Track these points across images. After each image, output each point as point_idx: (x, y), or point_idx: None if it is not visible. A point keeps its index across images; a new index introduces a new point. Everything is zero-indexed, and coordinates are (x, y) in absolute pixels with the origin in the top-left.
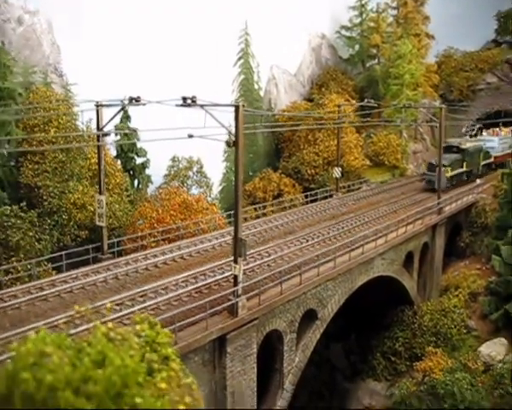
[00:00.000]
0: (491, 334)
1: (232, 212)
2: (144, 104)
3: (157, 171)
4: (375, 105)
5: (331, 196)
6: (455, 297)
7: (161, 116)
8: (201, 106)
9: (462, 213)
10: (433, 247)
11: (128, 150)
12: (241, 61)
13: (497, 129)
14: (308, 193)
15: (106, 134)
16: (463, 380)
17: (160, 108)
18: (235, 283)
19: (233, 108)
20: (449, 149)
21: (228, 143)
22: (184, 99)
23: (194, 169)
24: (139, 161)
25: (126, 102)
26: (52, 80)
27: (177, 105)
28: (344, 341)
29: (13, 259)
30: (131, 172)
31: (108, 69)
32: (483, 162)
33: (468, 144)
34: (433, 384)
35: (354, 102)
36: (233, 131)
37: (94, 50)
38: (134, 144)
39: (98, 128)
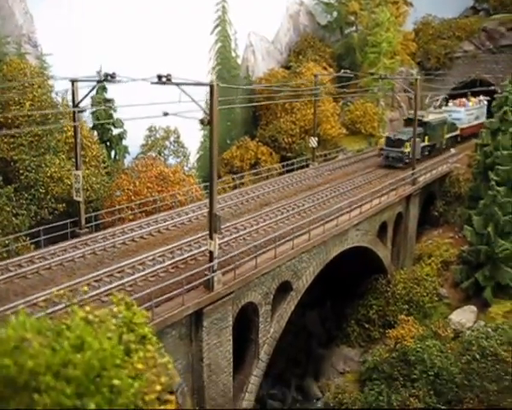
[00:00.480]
0: (462, 302)
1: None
2: (119, 81)
3: (134, 141)
4: (351, 76)
5: (307, 165)
6: (427, 266)
7: (137, 89)
8: (176, 84)
9: (437, 182)
10: (407, 217)
11: (104, 122)
12: (219, 28)
13: (464, 99)
14: (285, 162)
15: (82, 111)
16: (433, 347)
17: (136, 81)
18: (211, 258)
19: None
20: (410, 121)
21: (202, 122)
22: (159, 77)
23: (171, 139)
24: (116, 131)
25: (102, 77)
26: (26, 51)
27: (152, 83)
28: (319, 308)
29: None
30: (108, 144)
31: (83, 39)
32: (448, 135)
33: (431, 117)
34: (404, 351)
35: (331, 70)
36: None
37: (69, 20)
38: (110, 115)
39: (74, 105)
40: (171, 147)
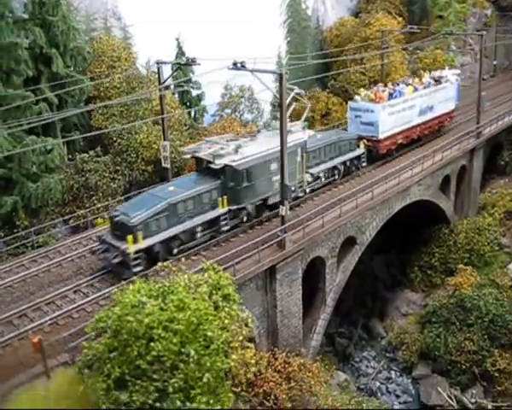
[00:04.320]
0: None
1: None
2: (199, 64)
3: (211, 99)
4: (419, 31)
5: None
6: (490, 216)
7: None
8: (250, 71)
9: (504, 132)
10: (471, 169)
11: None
12: None
13: (390, 86)
14: None
15: (167, 87)
16: (489, 295)
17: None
18: (283, 221)
19: (277, 70)
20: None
21: (274, 105)
22: (235, 64)
23: (246, 95)
24: (195, 93)
25: (181, 57)
26: (111, 24)
27: (228, 68)
28: (385, 255)
29: (93, 198)
30: (188, 104)
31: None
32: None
33: (253, 149)
34: (462, 298)
35: (401, 19)
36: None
37: None
38: (190, 79)
39: (159, 83)
40: (246, 103)
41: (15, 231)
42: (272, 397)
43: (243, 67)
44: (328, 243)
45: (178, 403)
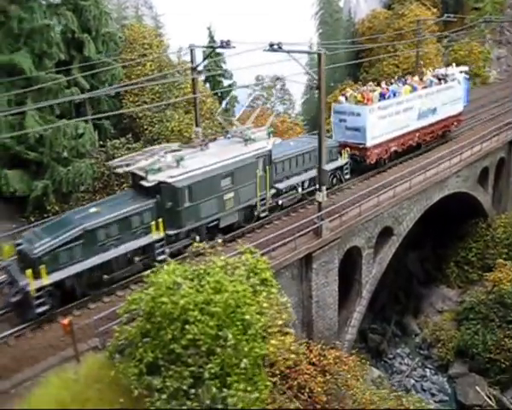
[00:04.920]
0: None
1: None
2: (234, 47)
3: (242, 91)
4: (455, 20)
5: None
6: None
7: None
8: (287, 52)
9: None
10: (510, 161)
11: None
12: None
13: (384, 85)
14: None
15: (200, 72)
16: None
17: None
18: (319, 208)
19: (314, 48)
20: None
21: (311, 87)
22: (271, 45)
23: (278, 86)
24: (226, 83)
25: (216, 37)
26: (143, 13)
27: (264, 50)
28: (420, 250)
29: (124, 186)
30: (219, 95)
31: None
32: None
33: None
34: (501, 294)
35: (435, 10)
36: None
37: None
38: (221, 68)
39: (192, 69)
40: (278, 94)
41: (45, 216)
42: (307, 390)
43: (279, 48)
44: (365, 233)
45: (214, 390)
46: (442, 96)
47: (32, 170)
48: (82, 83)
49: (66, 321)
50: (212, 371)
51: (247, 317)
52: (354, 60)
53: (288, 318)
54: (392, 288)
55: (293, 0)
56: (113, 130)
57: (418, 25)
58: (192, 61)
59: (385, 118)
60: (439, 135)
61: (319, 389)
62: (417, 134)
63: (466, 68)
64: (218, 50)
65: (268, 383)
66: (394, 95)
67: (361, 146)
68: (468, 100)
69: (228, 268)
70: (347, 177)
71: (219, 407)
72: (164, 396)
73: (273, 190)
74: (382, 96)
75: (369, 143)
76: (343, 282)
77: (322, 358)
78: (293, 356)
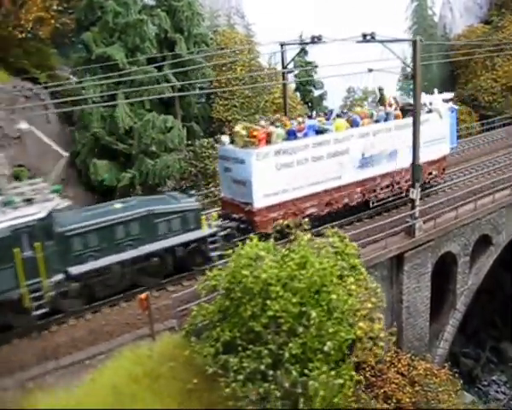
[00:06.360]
0: None
1: None
2: (325, 42)
3: (334, 102)
4: None
5: (510, 123)
6: None
7: (337, 53)
8: (380, 42)
9: None
10: None
11: (306, 83)
12: None
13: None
14: (485, 121)
15: (290, 71)
16: None
17: (337, 45)
18: (413, 206)
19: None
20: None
21: (406, 76)
22: (364, 36)
23: (370, 99)
24: (317, 93)
25: (307, 40)
26: (235, 22)
27: (357, 42)
28: None
29: (211, 185)
30: (309, 104)
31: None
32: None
33: None
34: None
35: None
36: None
37: None
38: (311, 77)
39: (283, 66)
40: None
41: None
42: (394, 400)
43: (373, 38)
44: (461, 239)
45: (294, 373)
46: (407, 133)
47: (120, 161)
48: (172, 80)
49: (143, 296)
50: (293, 351)
51: (334, 296)
52: (448, 76)
53: (378, 302)
54: (486, 310)
55: (386, 14)
56: (202, 134)
57: None
58: (282, 61)
59: (290, 166)
60: (402, 190)
61: (407, 400)
62: (359, 189)
63: (451, 95)
64: (309, 59)
65: (353, 373)
66: (318, 132)
67: (248, 207)
68: (457, 141)
69: (314, 246)
70: (213, 254)
71: (299, 391)
72: (240, 377)
73: (59, 276)
74: (292, 134)
75: (257, 204)
76: (435, 292)
77: (411, 368)
78: (382, 344)
